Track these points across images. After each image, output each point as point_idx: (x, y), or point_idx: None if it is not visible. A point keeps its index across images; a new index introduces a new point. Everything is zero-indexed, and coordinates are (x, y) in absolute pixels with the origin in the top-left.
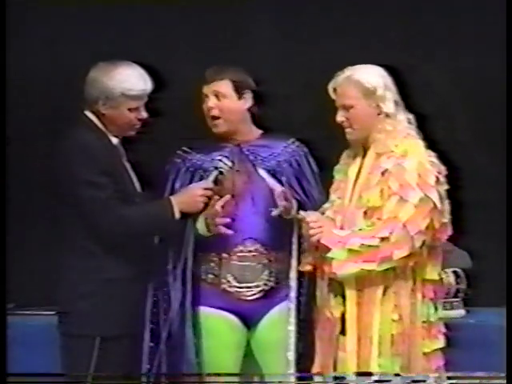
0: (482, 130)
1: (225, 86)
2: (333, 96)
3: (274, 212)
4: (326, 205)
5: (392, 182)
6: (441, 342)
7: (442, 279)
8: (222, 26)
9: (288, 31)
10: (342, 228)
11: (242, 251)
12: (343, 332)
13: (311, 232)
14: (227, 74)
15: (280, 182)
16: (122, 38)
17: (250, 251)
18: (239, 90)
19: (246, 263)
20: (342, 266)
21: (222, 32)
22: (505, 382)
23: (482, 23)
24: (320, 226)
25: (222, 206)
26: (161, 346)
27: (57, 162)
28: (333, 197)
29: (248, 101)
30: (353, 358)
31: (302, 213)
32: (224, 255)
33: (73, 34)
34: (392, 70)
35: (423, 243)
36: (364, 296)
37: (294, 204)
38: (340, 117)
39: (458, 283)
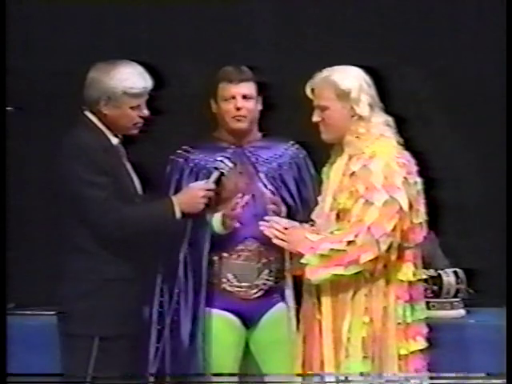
0: (465, 130)
1: (251, 88)
2: (310, 96)
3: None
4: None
5: (359, 184)
6: (420, 344)
7: (424, 280)
8: (221, 25)
9: (289, 32)
10: (319, 231)
11: (242, 250)
12: None
13: (277, 240)
14: (251, 75)
15: (275, 185)
16: (122, 38)
17: (251, 250)
18: (258, 92)
19: (247, 262)
20: (315, 271)
21: (222, 32)
22: (505, 381)
23: (474, 24)
24: (286, 234)
25: (243, 207)
26: (167, 346)
27: (56, 162)
28: (318, 199)
29: (261, 102)
30: (330, 363)
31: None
32: (224, 254)
33: (73, 33)
34: (375, 72)
35: (390, 245)
36: (338, 300)
37: (283, 208)
38: (316, 117)
39: (458, 283)
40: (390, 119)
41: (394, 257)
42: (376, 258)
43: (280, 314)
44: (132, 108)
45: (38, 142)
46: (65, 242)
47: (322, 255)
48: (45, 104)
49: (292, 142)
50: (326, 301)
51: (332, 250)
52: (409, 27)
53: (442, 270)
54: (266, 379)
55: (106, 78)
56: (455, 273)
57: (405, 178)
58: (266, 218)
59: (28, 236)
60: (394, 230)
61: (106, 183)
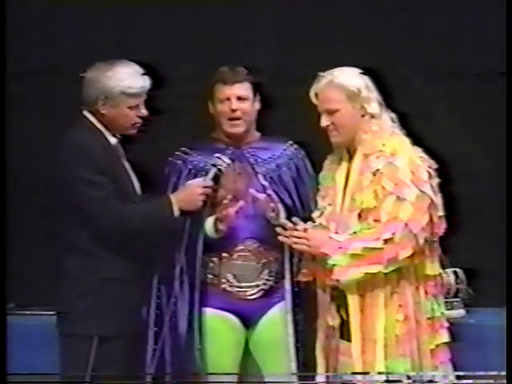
0: (469, 129)
1: (246, 89)
2: (315, 101)
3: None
4: (315, 213)
5: (385, 181)
6: (444, 337)
7: (440, 274)
8: (221, 25)
9: (288, 31)
10: (336, 233)
11: (242, 250)
12: (343, 337)
13: (301, 246)
14: (246, 76)
15: (274, 186)
16: (122, 38)
17: (251, 250)
18: (254, 93)
19: (247, 262)
20: (345, 271)
21: (221, 31)
22: (505, 381)
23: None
24: (308, 238)
25: (237, 212)
26: (165, 348)
27: (54, 161)
28: (322, 204)
29: (258, 103)
30: (358, 363)
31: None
32: (224, 255)
33: (72, 33)
34: (374, 72)
35: (426, 239)
36: (366, 299)
37: (281, 210)
38: (325, 121)
39: (457, 283)
40: (393, 115)
41: (427, 251)
42: (413, 254)
43: (280, 314)
44: (130, 108)
45: (37, 142)
46: (64, 242)
47: (353, 255)
48: (44, 104)
49: (290, 142)
50: (353, 303)
51: (366, 248)
52: (408, 27)
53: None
54: (266, 379)
55: (104, 77)
56: (455, 273)
57: (427, 171)
58: (278, 224)
59: (28, 236)
60: (427, 223)
61: (104, 183)
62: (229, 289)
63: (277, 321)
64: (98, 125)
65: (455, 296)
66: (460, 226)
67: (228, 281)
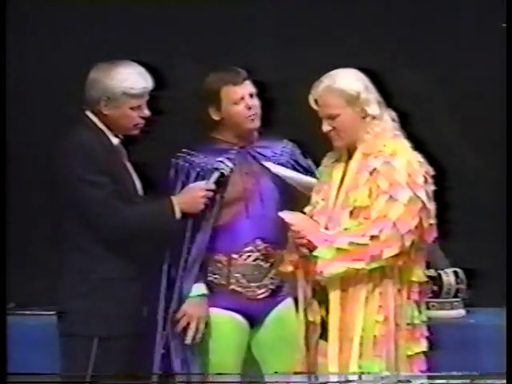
0: (469, 130)
1: (252, 86)
2: (314, 107)
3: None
4: (308, 208)
5: (381, 180)
6: (423, 346)
7: (427, 281)
8: (221, 25)
9: (288, 31)
10: (326, 229)
11: (251, 251)
12: (323, 337)
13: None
14: (246, 74)
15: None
16: (122, 38)
17: (260, 250)
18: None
19: (256, 262)
20: (329, 264)
21: (222, 32)
22: (505, 381)
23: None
24: (299, 219)
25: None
26: (171, 349)
27: (56, 161)
28: (315, 198)
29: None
30: (334, 362)
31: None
32: (233, 255)
33: (73, 33)
34: (374, 73)
35: (412, 243)
36: (348, 297)
37: None
38: (326, 127)
39: (458, 283)
40: (393, 114)
41: (413, 255)
42: (398, 255)
43: (284, 312)
44: (132, 108)
45: (38, 142)
46: (64, 242)
47: (338, 249)
48: (45, 104)
49: (287, 141)
50: (334, 299)
51: (352, 243)
52: (408, 28)
53: (441, 270)
54: (266, 379)
55: (106, 78)
56: (455, 273)
57: (424, 176)
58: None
59: (28, 236)
60: (416, 227)
61: (106, 183)
62: (238, 289)
63: (281, 319)
64: (101, 125)
65: (455, 296)
66: (460, 226)
67: (237, 281)
